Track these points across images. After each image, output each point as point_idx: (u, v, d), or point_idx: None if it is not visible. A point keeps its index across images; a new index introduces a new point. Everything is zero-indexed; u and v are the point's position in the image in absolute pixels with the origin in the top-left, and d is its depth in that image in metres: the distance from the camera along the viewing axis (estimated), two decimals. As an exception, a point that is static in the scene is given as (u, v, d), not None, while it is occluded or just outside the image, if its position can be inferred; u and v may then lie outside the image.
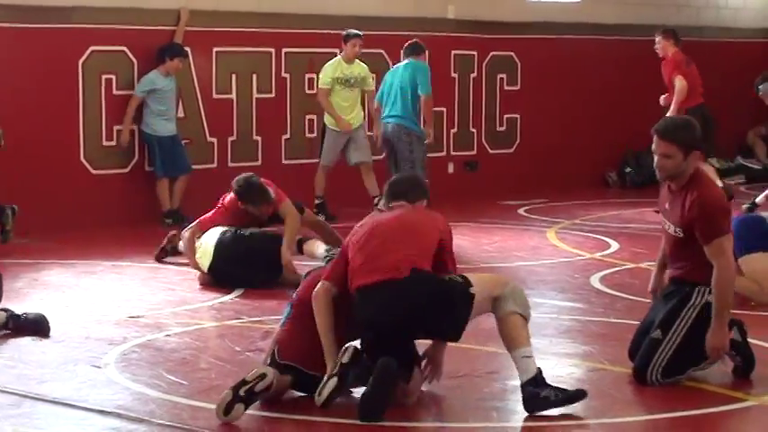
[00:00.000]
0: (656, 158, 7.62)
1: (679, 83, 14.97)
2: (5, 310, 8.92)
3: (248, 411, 6.69)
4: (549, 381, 6.99)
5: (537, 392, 6.82)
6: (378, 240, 7.06)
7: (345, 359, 6.83)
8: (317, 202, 14.46)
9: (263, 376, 6.77)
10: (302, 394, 7.13)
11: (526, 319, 6.96)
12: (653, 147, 7.63)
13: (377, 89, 14.69)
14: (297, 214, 11.03)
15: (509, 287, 6.98)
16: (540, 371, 6.90)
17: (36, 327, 8.84)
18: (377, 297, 6.89)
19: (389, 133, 14.08)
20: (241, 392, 6.68)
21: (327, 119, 14.77)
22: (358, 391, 6.92)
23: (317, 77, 14.87)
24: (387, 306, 6.89)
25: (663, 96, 15.13)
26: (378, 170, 14.50)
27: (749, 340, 7.83)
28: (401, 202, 7.39)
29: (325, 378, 6.81)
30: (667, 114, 13.57)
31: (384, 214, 7.37)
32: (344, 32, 14.81)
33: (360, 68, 14.92)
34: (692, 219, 7.42)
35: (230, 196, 11.05)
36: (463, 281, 6.93)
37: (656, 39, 15.60)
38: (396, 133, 14.00)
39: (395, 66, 14.75)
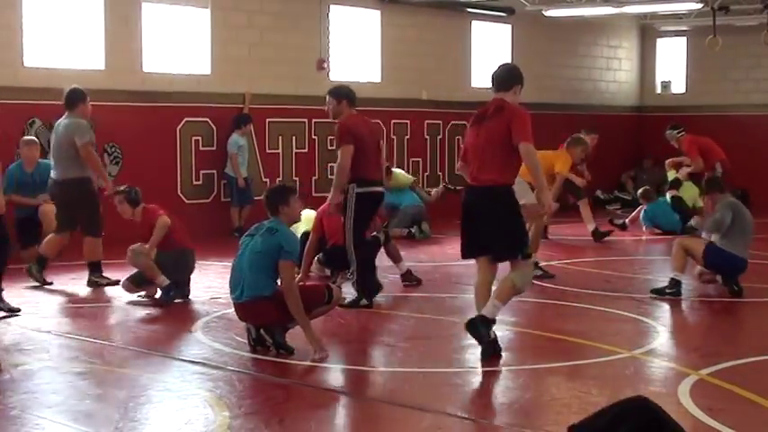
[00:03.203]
0: None
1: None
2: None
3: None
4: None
5: (478, 325, 6.83)
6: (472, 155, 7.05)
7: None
8: None
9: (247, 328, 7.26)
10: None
11: (517, 289, 6.98)
12: None
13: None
14: None
15: (528, 267, 7.13)
16: (494, 319, 6.90)
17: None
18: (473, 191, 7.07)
19: None
20: (251, 341, 7.20)
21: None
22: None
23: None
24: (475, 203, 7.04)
25: None
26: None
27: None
28: (500, 93, 7.04)
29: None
30: None
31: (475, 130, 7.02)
32: None
33: None
34: None
35: None
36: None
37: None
38: None
39: None
